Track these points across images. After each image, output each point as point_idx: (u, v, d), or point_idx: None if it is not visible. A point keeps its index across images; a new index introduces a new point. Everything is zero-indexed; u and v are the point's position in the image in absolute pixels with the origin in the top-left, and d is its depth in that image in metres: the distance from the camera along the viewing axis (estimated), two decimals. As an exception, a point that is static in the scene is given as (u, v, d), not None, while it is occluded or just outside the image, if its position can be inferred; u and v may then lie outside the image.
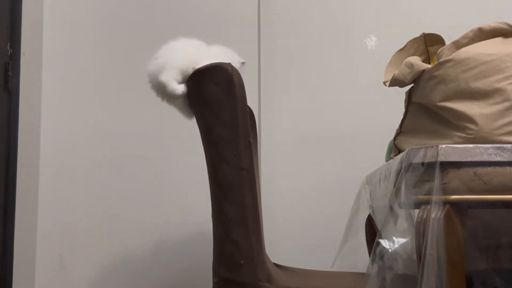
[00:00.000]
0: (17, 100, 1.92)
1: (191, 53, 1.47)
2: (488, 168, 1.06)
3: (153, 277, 2.19)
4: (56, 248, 2.07)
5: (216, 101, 1.33)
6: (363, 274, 1.21)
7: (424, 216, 1.06)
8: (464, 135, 1.19)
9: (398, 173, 1.15)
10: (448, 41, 1.37)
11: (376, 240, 1.11)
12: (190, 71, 1.40)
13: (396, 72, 1.37)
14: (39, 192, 1.92)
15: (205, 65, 1.36)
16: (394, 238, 1.09)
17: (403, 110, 1.47)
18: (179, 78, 1.41)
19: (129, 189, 2.24)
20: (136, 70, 2.25)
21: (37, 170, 1.93)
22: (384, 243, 1.09)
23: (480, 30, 1.29)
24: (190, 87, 1.39)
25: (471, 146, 1.08)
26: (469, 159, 1.06)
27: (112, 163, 2.25)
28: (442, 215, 1.04)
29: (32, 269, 1.89)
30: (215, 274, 1.35)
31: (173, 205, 2.22)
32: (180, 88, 1.40)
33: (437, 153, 1.06)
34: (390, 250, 1.07)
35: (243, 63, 1.51)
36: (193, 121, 1.46)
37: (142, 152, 2.25)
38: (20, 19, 1.95)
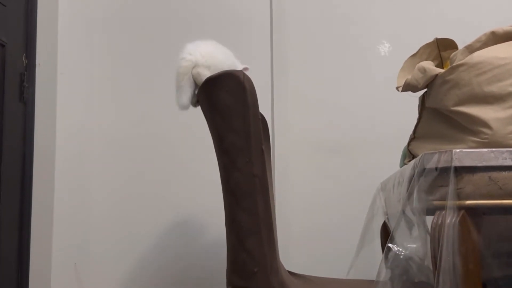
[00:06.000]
0: (32, 111, 1.93)
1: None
2: (503, 172, 1.05)
3: (167, 287, 2.19)
4: (72, 258, 2.07)
5: (227, 109, 1.33)
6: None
7: (439, 222, 1.05)
8: (478, 139, 1.17)
9: (411, 178, 1.13)
10: (461, 46, 1.36)
11: (387, 245, 1.09)
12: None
13: (409, 77, 1.36)
14: (54, 202, 1.93)
15: (216, 73, 1.36)
16: (405, 243, 1.08)
17: (417, 115, 1.46)
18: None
19: (143, 199, 2.25)
20: (151, 79, 2.29)
21: (53, 180, 1.94)
22: (396, 248, 1.07)
23: (493, 33, 1.28)
24: (202, 95, 1.39)
25: (486, 150, 1.06)
26: (484, 164, 1.05)
27: (127, 172, 2.27)
28: (457, 220, 1.02)
29: (48, 279, 1.89)
30: (229, 282, 1.34)
31: (187, 214, 2.22)
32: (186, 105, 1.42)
33: (451, 158, 1.04)
34: (401, 256, 1.06)
35: (245, 69, 1.49)
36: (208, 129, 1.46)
37: (157, 159, 2.27)
38: (35, 30, 1.97)
